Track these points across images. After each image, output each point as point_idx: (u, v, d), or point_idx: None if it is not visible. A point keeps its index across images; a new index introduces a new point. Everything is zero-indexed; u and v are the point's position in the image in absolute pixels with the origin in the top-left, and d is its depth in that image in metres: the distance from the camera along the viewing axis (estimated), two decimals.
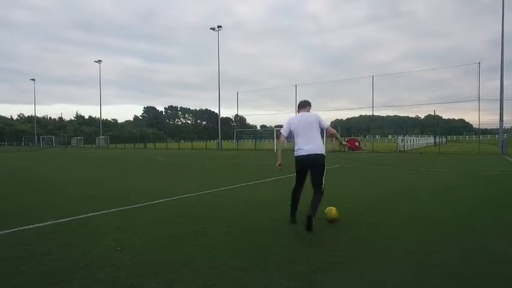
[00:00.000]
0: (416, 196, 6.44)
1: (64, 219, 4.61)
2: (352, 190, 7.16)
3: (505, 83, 21.03)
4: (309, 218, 3.76)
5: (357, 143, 27.26)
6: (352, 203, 5.67)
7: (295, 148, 4.25)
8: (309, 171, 4.21)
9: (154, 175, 11.05)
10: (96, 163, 17.09)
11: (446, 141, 43.50)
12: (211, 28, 36.67)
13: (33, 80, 61.12)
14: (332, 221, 4.23)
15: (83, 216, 4.80)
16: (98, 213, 4.99)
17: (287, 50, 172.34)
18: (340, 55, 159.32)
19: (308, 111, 4.45)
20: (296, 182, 4.39)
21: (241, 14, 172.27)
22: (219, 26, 36.47)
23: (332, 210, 4.29)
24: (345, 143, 26.09)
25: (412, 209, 5.11)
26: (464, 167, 12.28)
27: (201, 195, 6.53)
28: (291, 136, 4.36)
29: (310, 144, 4.14)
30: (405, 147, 25.13)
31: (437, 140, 34.96)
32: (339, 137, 4.92)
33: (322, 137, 4.41)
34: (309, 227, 3.75)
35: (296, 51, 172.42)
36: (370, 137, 39.06)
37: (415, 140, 32.93)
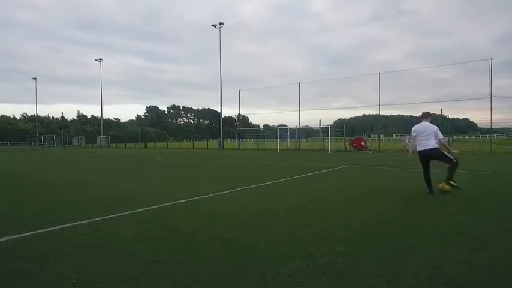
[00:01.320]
0: (435, 201, 5.59)
1: (23, 234, 3.82)
2: (363, 196, 6.31)
3: None
4: (449, 182, 6.16)
5: (362, 143, 26.36)
6: (369, 209, 4.82)
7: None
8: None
9: (148, 176, 10.27)
10: (90, 163, 16.36)
11: (452, 140, 42.54)
12: (212, 25, 35.88)
13: (34, 79, 60.69)
14: (445, 191, 6.11)
15: (47, 229, 4.00)
16: (67, 225, 4.19)
17: (290, 49, 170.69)
18: (343, 54, 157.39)
19: (428, 121, 6.41)
20: (423, 169, 6.31)
21: (244, 13, 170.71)
22: (221, 23, 35.67)
23: (445, 186, 6.16)
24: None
25: (437, 219, 4.28)
26: (481, 168, 11.38)
27: (195, 202, 5.72)
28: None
29: (424, 144, 6.19)
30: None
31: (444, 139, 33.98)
32: (447, 145, 6.51)
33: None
34: (454, 186, 6.17)
35: (299, 51, 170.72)
36: (375, 136, 38.09)
37: None
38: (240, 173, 11.01)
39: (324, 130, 28.27)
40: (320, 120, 28.87)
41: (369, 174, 9.95)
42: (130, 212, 4.93)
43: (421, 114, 6.62)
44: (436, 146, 6.16)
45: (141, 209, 5.10)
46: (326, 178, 9.22)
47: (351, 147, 26.07)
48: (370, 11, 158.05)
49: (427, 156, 6.19)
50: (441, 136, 6.27)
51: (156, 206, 5.31)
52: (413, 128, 6.40)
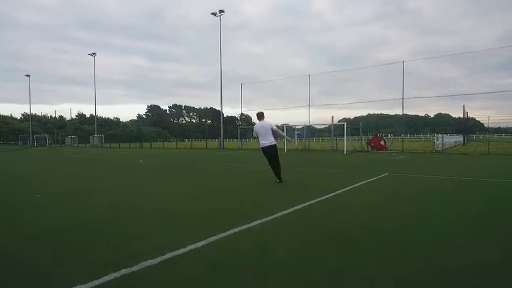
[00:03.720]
0: None
1: None
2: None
3: None
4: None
5: (382, 142, 23.04)
6: None
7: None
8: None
9: (102, 195, 6.91)
10: (57, 166, 13.11)
11: (467, 140, 39.61)
12: (212, 13, 32.73)
13: (27, 76, 58.10)
14: None
15: None
16: None
17: (292, 49, 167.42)
18: (346, 54, 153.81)
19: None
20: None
21: (247, 13, 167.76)
22: (221, 11, 32.53)
23: None
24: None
25: None
26: None
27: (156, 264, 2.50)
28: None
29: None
30: (443, 146, 20.88)
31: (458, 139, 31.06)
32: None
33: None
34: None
35: (301, 50, 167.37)
36: (382, 135, 34.91)
37: (446, 139, 28.77)
38: (238, 185, 7.71)
39: (335, 128, 25.21)
40: (333, 117, 25.59)
41: (451, 191, 6.63)
42: None
43: (257, 114, 7.07)
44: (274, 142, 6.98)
45: None
46: (384, 198, 5.90)
47: (369, 148, 22.82)
48: (373, 10, 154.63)
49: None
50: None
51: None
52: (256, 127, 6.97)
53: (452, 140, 34.07)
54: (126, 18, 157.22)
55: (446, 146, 26.37)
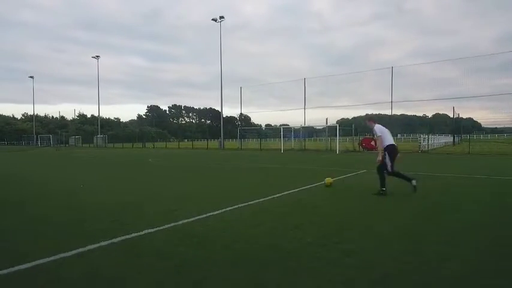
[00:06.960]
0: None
1: None
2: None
3: None
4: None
5: (372, 143, 24.45)
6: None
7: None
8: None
9: (126, 187, 8.49)
10: (71, 164, 14.64)
11: (459, 140, 40.87)
12: (213, 19, 34.21)
13: (31, 77, 59.47)
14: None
15: None
16: None
17: (291, 49, 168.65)
18: (345, 54, 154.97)
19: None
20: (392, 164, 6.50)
21: (246, 13, 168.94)
22: (221, 17, 34.01)
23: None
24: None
25: None
26: None
27: (173, 230, 3.99)
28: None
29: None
30: (428, 147, 22.39)
31: (449, 139, 32.40)
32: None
33: None
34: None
35: (300, 50, 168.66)
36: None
37: (435, 139, 30.19)
38: (240, 179, 9.24)
39: (330, 129, 26.64)
40: (327, 119, 27.06)
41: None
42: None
43: (369, 117, 7.43)
44: None
45: (79, 251, 3.38)
46: (349, 189, 7.43)
47: (360, 148, 24.30)
48: (372, 10, 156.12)
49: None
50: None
51: (112, 241, 3.58)
52: (380, 128, 6.68)
53: (442, 140, 35.55)
54: (125, 18, 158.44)
55: (435, 146, 27.89)
